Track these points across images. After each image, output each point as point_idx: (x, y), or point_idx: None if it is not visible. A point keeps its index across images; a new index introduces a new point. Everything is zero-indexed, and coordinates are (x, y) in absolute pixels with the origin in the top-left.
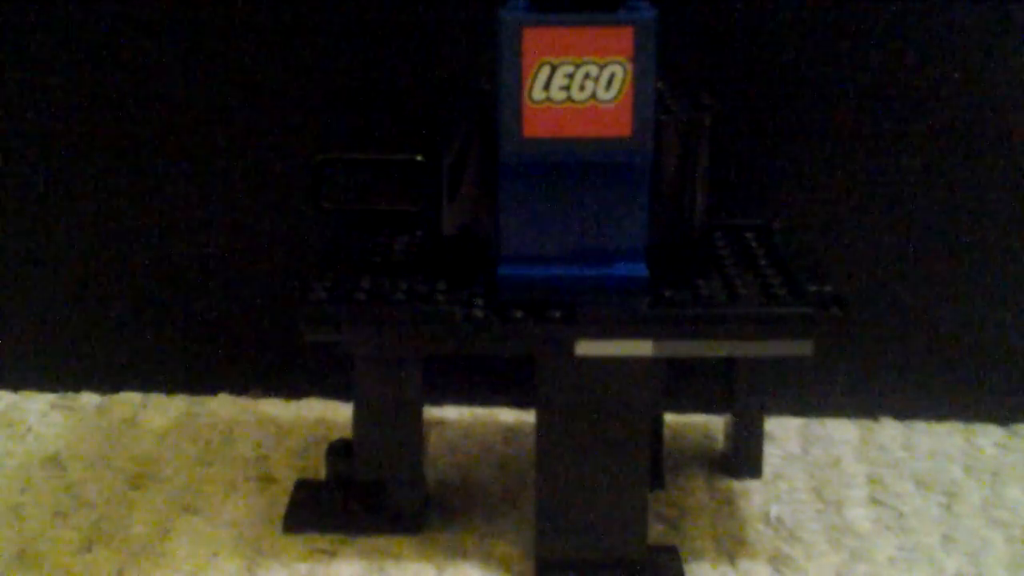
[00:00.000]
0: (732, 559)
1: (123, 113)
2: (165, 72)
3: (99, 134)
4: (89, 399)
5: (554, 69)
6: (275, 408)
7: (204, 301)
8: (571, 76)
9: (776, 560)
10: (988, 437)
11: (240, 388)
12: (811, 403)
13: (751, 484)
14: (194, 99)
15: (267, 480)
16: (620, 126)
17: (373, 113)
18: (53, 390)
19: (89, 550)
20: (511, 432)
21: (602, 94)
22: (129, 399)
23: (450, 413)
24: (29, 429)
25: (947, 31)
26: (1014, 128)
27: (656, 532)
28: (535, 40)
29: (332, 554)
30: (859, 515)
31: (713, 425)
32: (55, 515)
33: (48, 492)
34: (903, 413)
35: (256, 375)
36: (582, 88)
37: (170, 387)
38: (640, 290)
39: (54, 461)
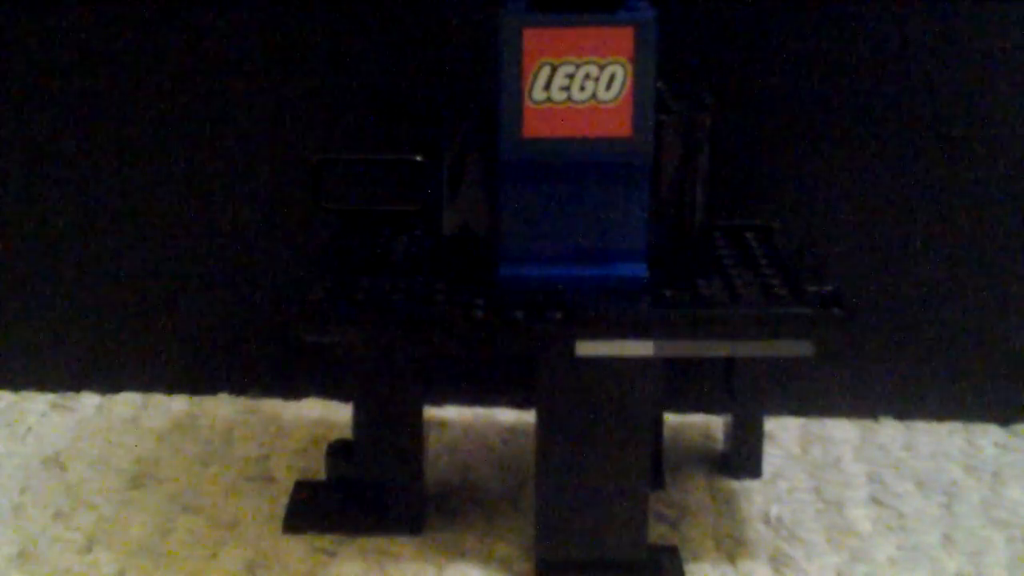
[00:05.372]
0: (732, 559)
1: (122, 113)
2: (165, 72)
3: (99, 134)
4: (89, 399)
5: (554, 69)
6: (275, 408)
7: (204, 301)
8: (571, 76)
9: (776, 560)
10: (988, 437)
11: (240, 388)
12: (811, 403)
13: (751, 484)
14: (194, 99)
15: (267, 480)
16: (620, 126)
17: (373, 113)
18: (53, 390)
19: (89, 550)
20: (511, 432)
21: (602, 94)
22: (129, 399)
23: (450, 413)
24: (29, 429)
25: (947, 31)
26: (1014, 129)
27: (656, 532)
28: (535, 40)
29: (332, 554)
30: (859, 515)
31: (713, 425)
32: (55, 515)
33: (48, 492)
34: (903, 413)
35: (256, 375)
36: (582, 88)
37: (170, 387)
38: (640, 290)
39: (54, 461)
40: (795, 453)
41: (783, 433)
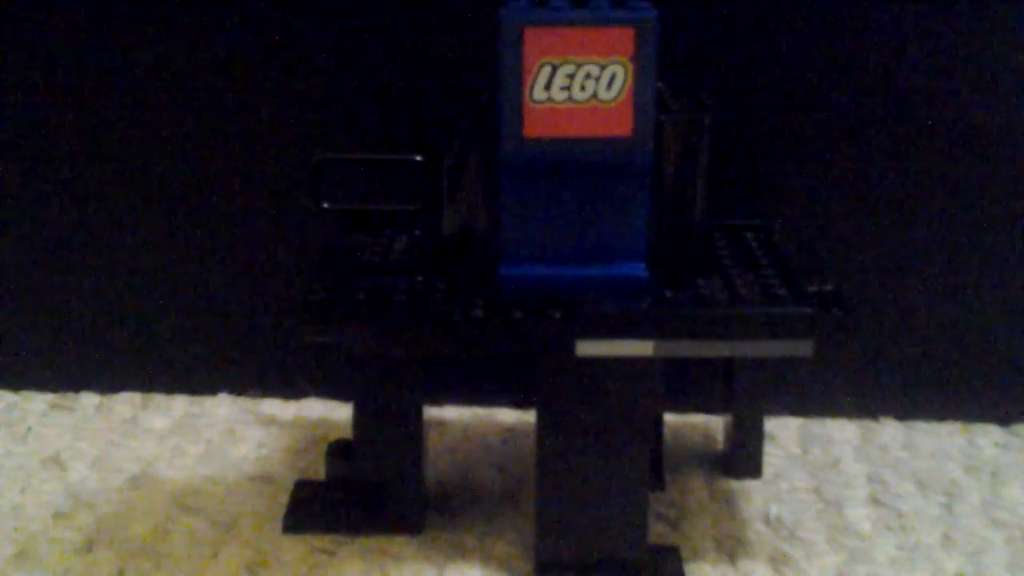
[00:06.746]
0: (732, 559)
1: (122, 113)
2: (165, 72)
3: (99, 134)
4: (89, 399)
5: (555, 69)
6: (275, 408)
7: (204, 301)
8: (572, 76)
9: (776, 560)
10: (988, 437)
11: (240, 388)
12: (811, 403)
13: (751, 484)
14: (194, 99)
15: (267, 480)
16: (621, 126)
17: (373, 113)
18: (53, 390)
19: (89, 550)
20: (511, 432)
21: (603, 94)
22: (129, 399)
23: (450, 413)
24: (29, 429)
25: (947, 31)
26: (1014, 128)
27: (656, 532)
28: (536, 40)
29: (332, 554)
30: (859, 515)
31: (713, 425)
32: (55, 515)
33: (48, 492)
34: (903, 413)
35: (256, 375)
36: (583, 88)
37: (170, 387)
38: (640, 290)
39: (54, 461)
40: (795, 453)
41: (783, 433)
